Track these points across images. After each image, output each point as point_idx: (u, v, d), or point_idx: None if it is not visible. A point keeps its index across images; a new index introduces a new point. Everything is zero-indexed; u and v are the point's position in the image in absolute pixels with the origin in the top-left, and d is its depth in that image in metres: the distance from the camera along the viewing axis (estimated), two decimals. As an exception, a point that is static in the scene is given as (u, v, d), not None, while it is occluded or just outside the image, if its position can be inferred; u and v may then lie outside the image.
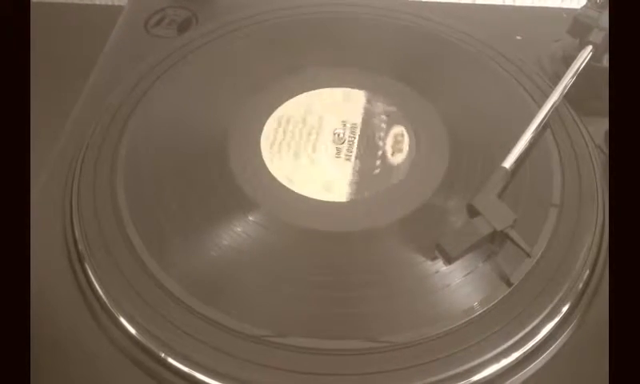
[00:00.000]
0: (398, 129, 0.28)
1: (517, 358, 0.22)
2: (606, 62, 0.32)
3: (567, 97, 0.30)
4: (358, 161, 0.29)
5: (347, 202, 0.27)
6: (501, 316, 0.23)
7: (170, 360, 0.22)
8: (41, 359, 0.23)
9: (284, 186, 0.28)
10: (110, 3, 0.58)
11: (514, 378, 0.22)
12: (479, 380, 0.22)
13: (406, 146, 0.28)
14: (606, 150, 0.29)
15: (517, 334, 0.22)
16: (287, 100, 0.32)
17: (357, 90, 0.32)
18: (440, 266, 0.24)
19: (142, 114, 0.31)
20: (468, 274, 0.24)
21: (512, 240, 0.24)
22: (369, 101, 0.32)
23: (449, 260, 0.24)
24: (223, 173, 0.28)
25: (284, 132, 0.30)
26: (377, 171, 0.28)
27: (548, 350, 0.23)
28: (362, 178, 0.28)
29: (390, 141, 0.29)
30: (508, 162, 0.27)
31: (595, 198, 0.27)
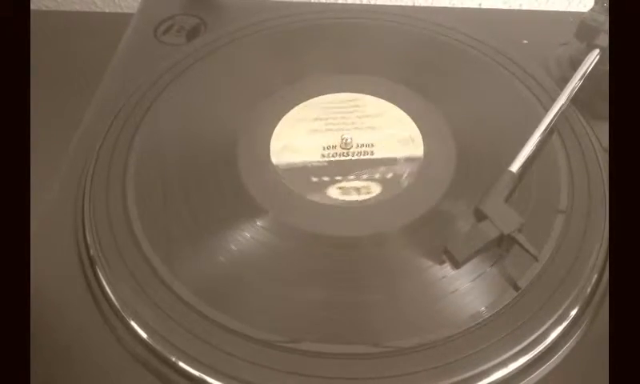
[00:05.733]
0: (376, 187, 0.28)
1: (525, 363, 0.22)
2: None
3: (574, 100, 0.30)
4: (327, 164, 0.29)
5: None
6: (509, 320, 0.23)
7: (181, 364, 0.22)
8: (52, 363, 0.23)
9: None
10: (119, 11, 0.59)
11: (522, 383, 0.22)
12: (487, 384, 0.22)
13: (370, 194, 0.28)
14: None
15: (525, 338, 0.22)
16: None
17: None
18: (448, 270, 0.24)
19: (152, 120, 0.31)
20: (476, 278, 0.24)
21: (519, 244, 0.24)
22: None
23: (456, 264, 0.24)
24: (232, 178, 0.28)
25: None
26: (317, 179, 0.28)
27: (556, 354, 0.23)
28: (307, 173, 0.29)
29: (365, 184, 0.28)
30: (515, 166, 0.27)
31: (603, 201, 0.27)
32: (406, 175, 0.28)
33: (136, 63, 0.36)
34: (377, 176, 0.28)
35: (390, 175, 0.28)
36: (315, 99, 0.32)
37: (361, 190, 0.27)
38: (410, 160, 0.29)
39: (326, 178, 0.28)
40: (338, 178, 0.28)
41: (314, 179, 0.28)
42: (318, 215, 0.27)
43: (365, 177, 0.28)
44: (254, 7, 0.40)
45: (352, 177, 0.28)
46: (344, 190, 0.27)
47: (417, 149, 0.30)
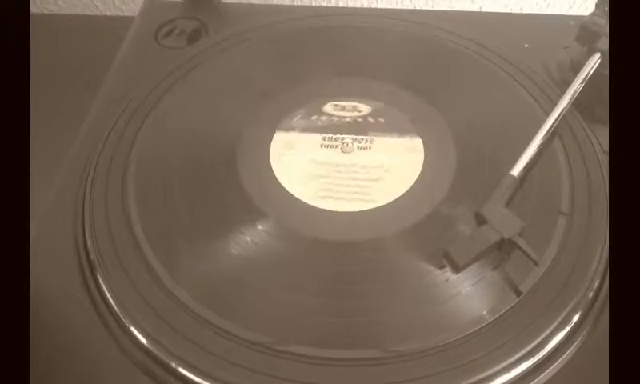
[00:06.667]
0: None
1: (527, 368, 0.22)
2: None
3: (575, 104, 0.30)
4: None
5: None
6: (511, 325, 0.23)
7: (181, 370, 0.22)
8: (52, 368, 0.23)
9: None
10: (120, 14, 0.59)
11: (524, 388, 0.22)
12: (489, 390, 0.22)
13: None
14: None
15: (527, 343, 0.22)
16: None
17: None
18: (448, 274, 0.24)
19: (152, 124, 0.31)
20: (476, 282, 0.24)
21: (520, 248, 0.24)
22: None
23: (457, 269, 0.24)
24: (232, 182, 0.28)
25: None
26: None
27: (558, 359, 0.22)
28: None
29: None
30: (516, 170, 0.27)
31: (605, 205, 0.27)
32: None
33: (137, 66, 0.36)
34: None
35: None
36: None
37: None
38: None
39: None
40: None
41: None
42: (318, 219, 0.27)
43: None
44: (254, 10, 0.40)
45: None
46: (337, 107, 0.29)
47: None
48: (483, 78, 0.33)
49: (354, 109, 0.31)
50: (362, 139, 0.31)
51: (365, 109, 0.32)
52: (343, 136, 0.31)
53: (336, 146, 0.30)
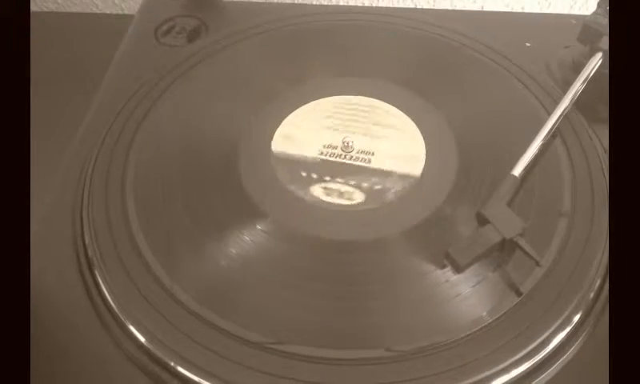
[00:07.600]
0: (359, 195, 0.27)
1: (528, 369, 0.22)
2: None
3: (577, 104, 0.30)
4: (320, 162, 0.29)
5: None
6: (511, 326, 0.23)
7: (180, 368, 0.22)
8: (49, 366, 0.23)
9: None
10: (120, 12, 0.59)
11: (525, 389, 0.22)
12: (490, 390, 0.21)
13: (352, 201, 0.27)
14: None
15: (528, 344, 0.22)
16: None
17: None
18: (449, 275, 0.24)
19: (151, 122, 0.31)
20: (478, 283, 0.24)
21: (521, 248, 0.24)
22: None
23: (458, 269, 0.24)
24: (232, 182, 0.28)
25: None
26: (305, 174, 0.28)
27: (559, 360, 0.22)
28: (298, 166, 0.29)
29: (350, 190, 0.28)
30: (517, 170, 0.27)
31: (606, 205, 0.27)
32: (393, 191, 0.27)
33: (136, 65, 0.36)
34: (364, 185, 0.28)
35: (378, 187, 0.28)
36: (331, 98, 0.32)
37: (344, 194, 0.27)
38: (404, 177, 0.28)
39: (314, 175, 0.28)
40: (327, 178, 0.28)
41: (303, 174, 0.28)
42: (319, 219, 0.27)
43: (352, 183, 0.28)
44: (254, 9, 0.40)
45: (340, 180, 0.28)
46: (327, 191, 0.27)
47: (417, 165, 0.29)
48: (485, 77, 0.33)
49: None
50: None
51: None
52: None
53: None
